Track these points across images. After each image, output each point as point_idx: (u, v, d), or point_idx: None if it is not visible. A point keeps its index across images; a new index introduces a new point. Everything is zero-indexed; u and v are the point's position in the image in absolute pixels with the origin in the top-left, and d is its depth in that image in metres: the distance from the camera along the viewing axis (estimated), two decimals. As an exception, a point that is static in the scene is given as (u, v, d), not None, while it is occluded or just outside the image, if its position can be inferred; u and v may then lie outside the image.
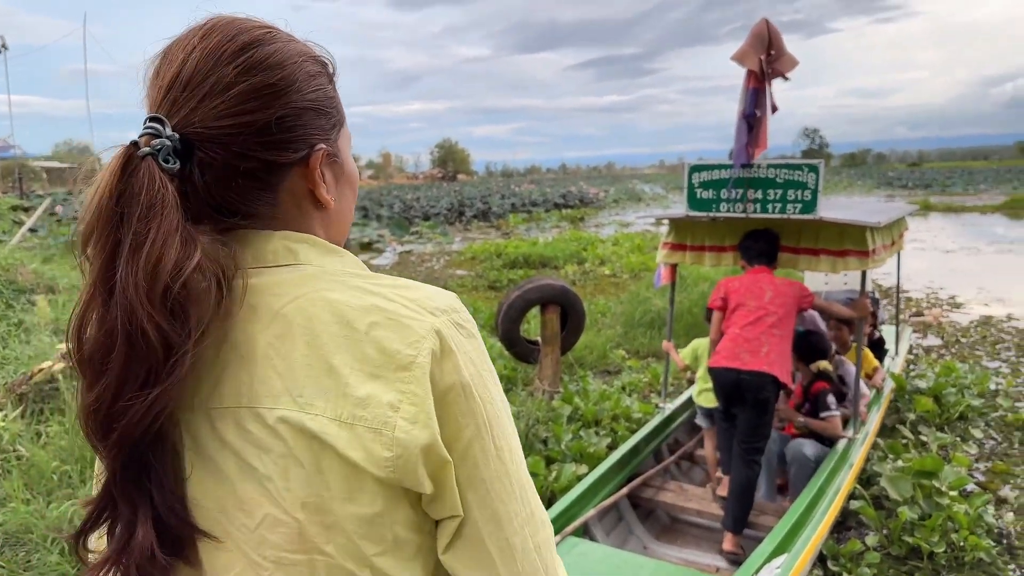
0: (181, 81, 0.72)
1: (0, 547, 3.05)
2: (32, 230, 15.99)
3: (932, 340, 8.17)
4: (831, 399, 4.05)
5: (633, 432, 5.10)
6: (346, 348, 0.71)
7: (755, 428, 3.65)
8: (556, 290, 6.06)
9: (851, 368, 4.39)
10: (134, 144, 0.69)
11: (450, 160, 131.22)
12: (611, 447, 4.79)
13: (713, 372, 3.76)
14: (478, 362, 0.75)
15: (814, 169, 3.67)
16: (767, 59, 3.59)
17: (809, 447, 3.89)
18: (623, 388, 6.21)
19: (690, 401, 4.88)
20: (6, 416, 4.06)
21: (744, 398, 3.63)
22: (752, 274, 3.85)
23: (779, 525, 3.16)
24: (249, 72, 0.73)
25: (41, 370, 4.35)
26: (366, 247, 20.08)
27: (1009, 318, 9.20)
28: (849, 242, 3.80)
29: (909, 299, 10.64)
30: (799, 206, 3.71)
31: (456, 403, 0.72)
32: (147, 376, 0.66)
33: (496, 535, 0.74)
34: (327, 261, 0.78)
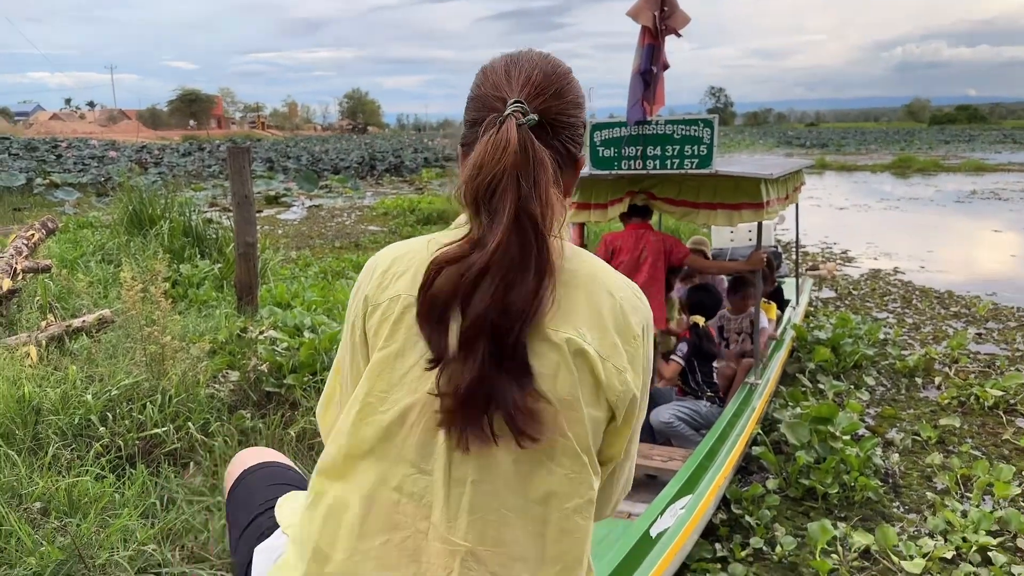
0: (534, 83, 1.08)
1: None
2: None
3: (827, 293, 8.61)
4: (681, 346, 4.21)
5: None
6: (608, 307, 1.08)
7: None
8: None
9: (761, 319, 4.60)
10: (518, 119, 1.02)
11: (360, 111, 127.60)
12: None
13: None
14: (652, 346, 1.16)
15: (709, 124, 3.75)
16: (660, 15, 3.60)
17: (664, 412, 4.05)
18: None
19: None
20: None
21: None
22: (632, 228, 4.22)
23: (683, 468, 3.28)
24: (573, 90, 1.13)
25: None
26: (272, 200, 19.35)
27: (895, 271, 9.79)
28: (744, 195, 3.94)
29: (806, 254, 11.15)
30: (696, 161, 3.79)
31: (645, 374, 1.13)
32: (538, 276, 1.01)
33: (629, 460, 1.23)
34: None
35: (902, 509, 3.70)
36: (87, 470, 3.12)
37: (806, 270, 9.70)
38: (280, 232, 13.53)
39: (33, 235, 5.38)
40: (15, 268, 4.77)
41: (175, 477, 3.33)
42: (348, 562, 1.05)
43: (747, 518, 3.51)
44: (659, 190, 4.23)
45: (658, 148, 3.83)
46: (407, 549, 1.05)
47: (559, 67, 1.13)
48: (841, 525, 3.48)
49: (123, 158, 29.95)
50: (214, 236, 8.24)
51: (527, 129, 1.03)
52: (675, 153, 3.81)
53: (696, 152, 3.77)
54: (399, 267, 1.12)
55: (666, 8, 3.62)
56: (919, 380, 5.50)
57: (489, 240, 0.99)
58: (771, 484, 3.80)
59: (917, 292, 8.52)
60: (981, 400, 4.95)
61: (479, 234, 1.02)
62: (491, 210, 1.01)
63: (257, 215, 15.94)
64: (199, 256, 7.76)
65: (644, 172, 3.90)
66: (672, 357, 4.20)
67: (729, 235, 8.02)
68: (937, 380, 5.47)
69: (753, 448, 4.02)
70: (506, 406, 0.99)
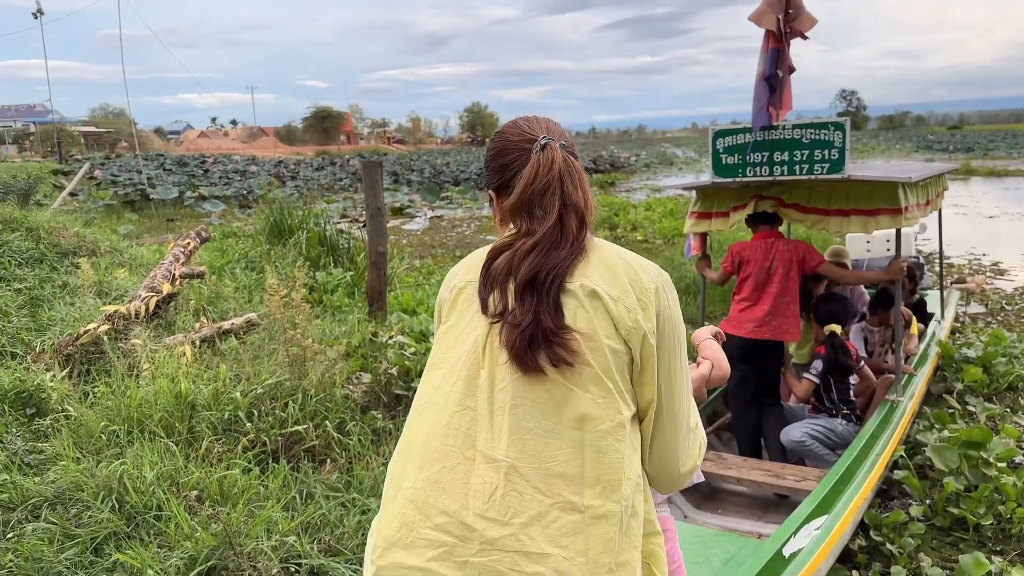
0: (551, 129, 1.40)
1: (52, 504, 3.13)
2: (72, 194, 16.25)
3: (976, 307, 7.97)
4: (816, 363, 4.01)
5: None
6: (621, 266, 1.30)
7: (774, 383, 4.13)
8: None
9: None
10: (547, 141, 1.35)
11: (479, 124, 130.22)
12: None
13: (727, 336, 4.01)
14: (675, 305, 1.33)
15: (840, 127, 3.56)
16: (785, 18, 3.47)
17: (795, 431, 3.88)
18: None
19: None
20: (54, 377, 4.14)
21: (754, 360, 4.00)
22: (760, 237, 4.05)
23: (819, 487, 3.12)
24: (571, 138, 1.44)
25: (87, 331, 4.43)
26: (397, 211, 20.11)
27: (1056, 286, 8.94)
28: (880, 200, 3.73)
29: (951, 265, 10.39)
30: (827, 166, 3.62)
31: (664, 324, 1.29)
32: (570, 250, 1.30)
33: (672, 410, 1.33)
34: None
35: (1069, 546, 3.37)
36: (236, 463, 3.36)
37: (952, 283, 9.03)
38: (404, 242, 14.03)
39: (189, 243, 5.86)
40: (174, 274, 5.20)
41: (313, 473, 3.52)
42: (413, 488, 1.27)
43: (888, 546, 3.31)
44: (788, 196, 4.07)
45: (785, 153, 3.69)
46: (458, 474, 1.24)
47: (558, 122, 1.45)
48: (997, 559, 3.20)
49: (263, 172, 32.06)
50: (346, 246, 8.66)
51: (565, 150, 1.35)
52: (804, 158, 3.66)
53: (827, 156, 3.61)
54: (460, 268, 1.43)
55: (791, 11, 3.49)
56: (1087, 405, 4.99)
57: (538, 229, 1.29)
58: (915, 511, 3.56)
59: (1083, 308, 7.74)
60: None
61: (527, 228, 1.31)
62: (543, 207, 1.30)
63: (386, 224, 16.66)
64: (333, 264, 8.17)
65: (771, 179, 3.76)
66: (805, 375, 4.02)
67: (866, 245, 7.60)
68: (1108, 406, 4.94)
69: (895, 471, 3.78)
70: (547, 336, 1.23)
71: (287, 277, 6.20)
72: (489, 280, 1.32)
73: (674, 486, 1.42)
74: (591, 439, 1.23)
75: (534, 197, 1.31)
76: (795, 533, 2.76)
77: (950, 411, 4.73)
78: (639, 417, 1.32)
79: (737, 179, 3.86)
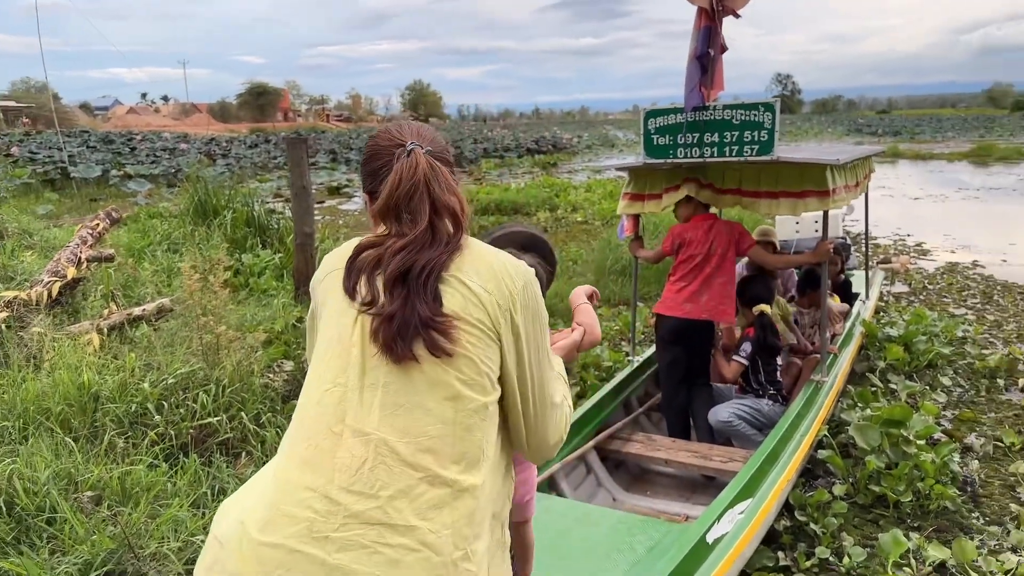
0: (421, 134, 1.44)
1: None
2: (-18, 172, 15.34)
3: (900, 287, 8.20)
4: (745, 345, 4.04)
5: (603, 382, 5.03)
6: (493, 264, 1.37)
7: (705, 364, 4.17)
8: (524, 236, 5.86)
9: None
10: (413, 147, 1.39)
11: (421, 103, 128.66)
12: (580, 397, 4.72)
13: (660, 318, 4.09)
14: (540, 299, 1.43)
15: (770, 108, 3.54)
16: None
17: (723, 411, 3.91)
18: (593, 336, 6.12)
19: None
20: (-56, 368, 3.85)
21: (688, 341, 4.04)
22: (699, 220, 4.05)
23: (743, 470, 3.12)
24: (444, 140, 1.50)
25: (-19, 319, 4.12)
26: (335, 191, 19.64)
27: (974, 265, 9.28)
28: (809, 182, 3.73)
29: (877, 246, 10.66)
30: (756, 147, 3.59)
31: (531, 316, 1.39)
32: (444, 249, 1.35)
33: (538, 392, 1.44)
34: None
35: (982, 521, 3.45)
36: (141, 459, 3.16)
37: (877, 263, 9.28)
38: (341, 222, 13.70)
39: (98, 225, 5.53)
40: (80, 257, 4.90)
41: (227, 467, 3.35)
42: (284, 463, 1.29)
43: (812, 526, 3.33)
44: (717, 179, 4.05)
45: (716, 135, 3.65)
46: (324, 448, 1.26)
47: (427, 126, 1.52)
48: (915, 536, 3.26)
49: (193, 150, 30.91)
50: (276, 226, 8.36)
51: (429, 154, 1.39)
52: (734, 139, 3.63)
53: (756, 138, 3.58)
54: (332, 256, 1.46)
55: (722, -13, 3.43)
56: (1001, 381, 5.16)
57: (407, 232, 1.34)
58: (838, 490, 3.59)
59: (999, 287, 8.04)
60: (1071, 405, 4.61)
61: (397, 230, 1.35)
62: (410, 211, 1.35)
63: (319, 205, 16.20)
64: (261, 246, 7.88)
65: (701, 160, 3.72)
66: (734, 357, 4.03)
67: (795, 226, 7.69)
68: (1021, 382, 5.12)
69: (819, 451, 3.82)
70: (424, 324, 1.28)
71: (209, 260, 5.93)
72: (354, 270, 1.36)
73: (545, 457, 1.53)
74: (461, 417, 1.29)
75: (400, 201, 1.36)
76: (719, 518, 2.74)
77: (872, 389, 4.82)
78: (504, 398, 1.40)
79: (668, 160, 3.80)
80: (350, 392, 1.29)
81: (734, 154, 3.60)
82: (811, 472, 3.87)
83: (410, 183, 1.35)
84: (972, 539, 3.24)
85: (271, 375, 4.15)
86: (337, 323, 1.36)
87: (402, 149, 1.40)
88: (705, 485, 3.85)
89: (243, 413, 3.63)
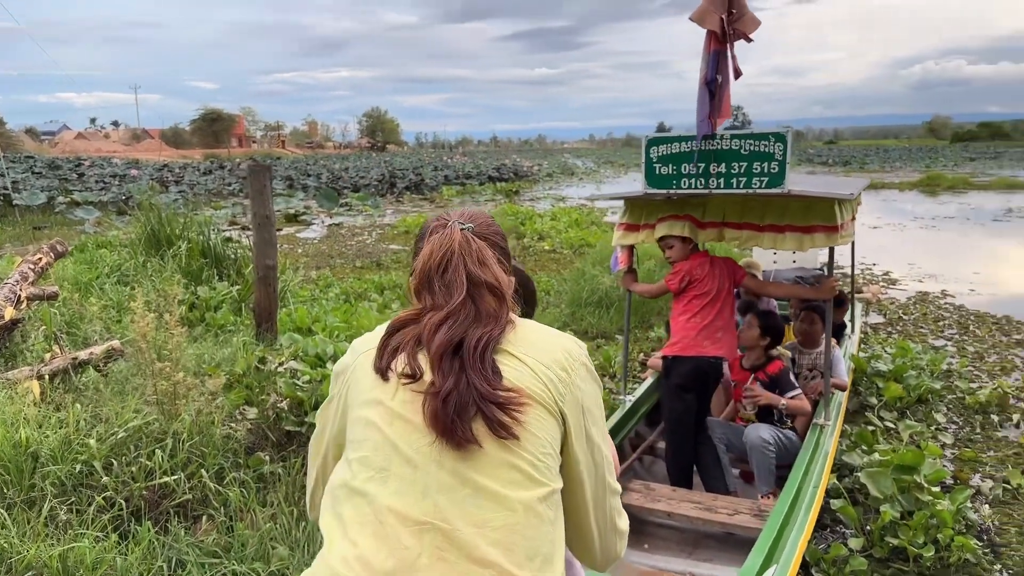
0: (468, 214, 1.40)
1: None
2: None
3: (875, 318, 8.14)
4: (792, 377, 3.89)
5: (591, 424, 4.76)
6: (548, 339, 1.30)
7: (706, 411, 3.96)
8: (504, 269, 5.63)
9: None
10: (459, 226, 1.34)
11: (379, 130, 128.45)
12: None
13: (676, 360, 3.79)
14: (596, 379, 1.33)
15: (781, 139, 3.34)
16: (728, 18, 3.22)
17: (765, 431, 3.67)
18: (574, 373, 5.86)
19: (651, 391, 4.56)
20: None
21: (703, 384, 3.83)
22: (700, 257, 3.88)
23: (764, 533, 2.86)
24: (496, 225, 1.45)
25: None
26: (292, 218, 19.15)
27: (944, 294, 9.30)
28: (816, 217, 3.54)
29: (845, 276, 10.66)
30: (765, 179, 3.38)
31: (590, 399, 1.30)
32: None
33: (596, 488, 1.32)
34: None
35: (1006, 574, 3.25)
36: (84, 533, 2.76)
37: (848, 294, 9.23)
38: (300, 251, 13.27)
39: (40, 259, 5.08)
40: (19, 295, 4.46)
41: (185, 534, 2.96)
42: (321, 567, 1.16)
43: (831, 585, 3.08)
44: (718, 212, 3.84)
45: (723, 165, 3.44)
46: (367, 542, 1.12)
47: (485, 211, 1.48)
48: (940, 594, 3.04)
49: (144, 177, 30.03)
50: (233, 256, 7.94)
51: (474, 232, 1.34)
52: (742, 171, 3.42)
53: (766, 170, 3.37)
54: (359, 343, 1.35)
55: (734, 11, 3.24)
56: (994, 417, 5.03)
57: (443, 304, 1.25)
58: (853, 543, 3.36)
59: (972, 317, 8.03)
60: (1071, 442, 4.48)
61: (431, 303, 1.27)
62: (445, 283, 1.28)
63: (276, 234, 15.76)
64: (217, 277, 7.45)
65: (707, 192, 3.51)
66: (799, 391, 3.86)
67: (773, 257, 7.59)
68: (1015, 417, 5.00)
69: (830, 500, 3.59)
70: (482, 399, 1.15)
71: (162, 294, 5.51)
72: (389, 350, 1.25)
73: (612, 559, 1.39)
74: (533, 505, 1.15)
75: (432, 273, 1.29)
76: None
77: (871, 429, 4.64)
78: (568, 490, 1.27)
79: (672, 191, 3.58)
80: (396, 479, 1.15)
81: (742, 186, 3.38)
82: (820, 521, 3.64)
83: (441, 253, 1.29)
84: (999, 596, 3.03)
85: (233, 424, 3.77)
86: (375, 409, 1.21)
87: (441, 225, 1.37)
88: (706, 536, 3.59)
89: (203, 470, 3.25)
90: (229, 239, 9.49)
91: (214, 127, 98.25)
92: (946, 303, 8.81)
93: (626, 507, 3.60)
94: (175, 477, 3.15)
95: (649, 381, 4.62)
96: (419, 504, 1.12)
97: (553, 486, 1.19)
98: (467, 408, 1.15)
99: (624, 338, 4.43)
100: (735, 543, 3.41)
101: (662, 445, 4.28)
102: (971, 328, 7.54)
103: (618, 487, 1.37)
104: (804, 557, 3.21)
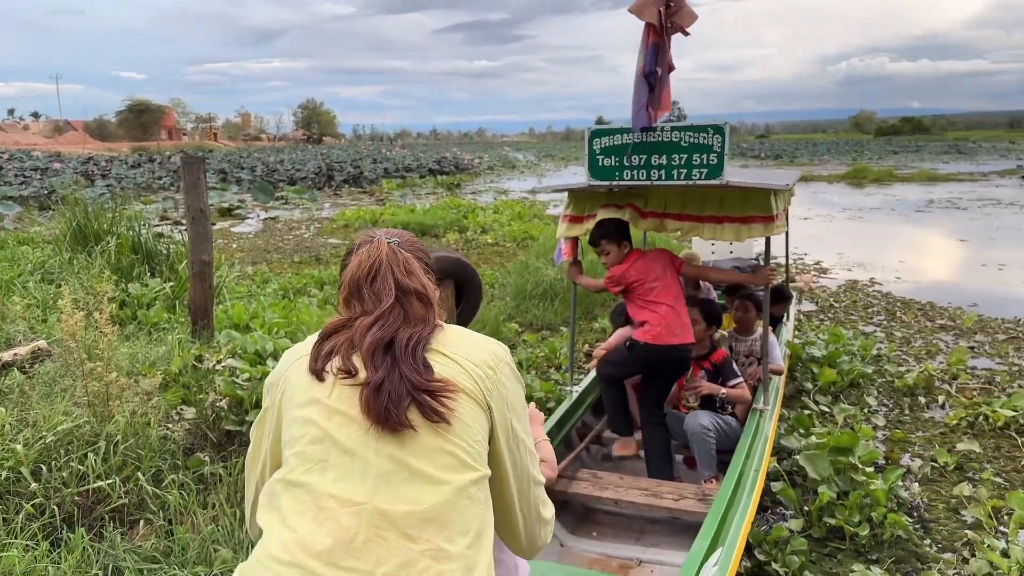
0: (395, 232, 1.49)
1: None
2: None
3: (808, 305, 8.40)
4: (735, 366, 3.98)
5: (537, 415, 4.78)
6: (474, 340, 1.37)
7: (665, 395, 3.93)
8: (450, 263, 5.56)
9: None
10: (387, 240, 1.43)
11: (315, 122, 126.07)
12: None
13: (649, 348, 3.72)
14: (519, 377, 1.41)
15: (720, 131, 3.41)
16: (666, 12, 3.26)
17: (705, 418, 3.74)
18: (520, 365, 5.87)
19: (597, 381, 4.60)
20: None
21: (667, 370, 3.83)
22: (637, 253, 3.84)
23: (709, 517, 2.92)
24: (422, 246, 1.52)
25: None
26: (226, 212, 18.63)
27: (872, 282, 9.66)
28: (754, 208, 3.62)
29: (779, 265, 10.98)
30: (705, 171, 3.44)
31: (511, 383, 1.37)
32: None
33: (520, 478, 1.38)
34: None
35: (935, 548, 3.40)
36: (13, 542, 2.62)
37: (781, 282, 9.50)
38: (235, 246, 12.92)
39: (-42, 255, 4.79)
40: (-65, 294, 4.20)
41: (122, 540, 2.85)
42: (259, 551, 1.19)
43: (774, 565, 3.17)
44: (659, 203, 3.89)
45: (664, 157, 3.48)
46: (305, 523, 1.16)
47: (410, 233, 1.54)
48: (876, 570, 3.15)
49: (68, 170, 28.75)
50: (165, 252, 7.66)
51: (399, 245, 1.42)
52: (683, 162, 3.47)
53: (705, 161, 3.43)
54: (290, 353, 1.39)
55: (672, 3, 3.27)
56: (921, 399, 5.25)
57: (372, 310, 1.33)
58: (794, 524, 3.46)
59: (899, 304, 8.36)
60: (992, 420, 4.71)
61: (361, 310, 1.34)
62: (374, 292, 1.35)
63: (211, 228, 15.28)
64: (149, 274, 7.18)
65: (648, 183, 3.55)
66: (741, 380, 3.94)
67: (711, 247, 7.76)
68: (940, 399, 5.23)
69: (772, 484, 3.69)
70: (415, 388, 1.22)
71: (91, 292, 5.28)
72: (323, 354, 1.30)
73: (537, 547, 1.46)
74: (465, 487, 1.22)
75: (362, 282, 1.36)
76: (697, 574, 2.51)
77: (807, 413, 4.79)
78: (495, 479, 1.33)
79: (614, 183, 3.61)
80: (335, 469, 1.19)
81: (682, 177, 3.43)
82: (761, 504, 3.73)
83: (370, 264, 1.37)
84: (930, 568, 3.17)
85: (170, 425, 3.64)
86: (312, 407, 1.25)
87: (368, 240, 1.44)
88: (653, 522, 3.65)
89: (140, 473, 3.13)
90: (161, 234, 9.16)
91: (142, 119, 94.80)
92: (874, 291, 9.15)
93: (574, 496, 3.67)
94: (109, 481, 3.03)
95: (595, 372, 4.66)
96: (358, 488, 1.17)
97: (483, 471, 1.26)
98: (401, 397, 1.21)
99: (571, 329, 4.45)
100: (681, 527, 3.47)
101: (609, 434, 4.33)
102: (898, 314, 7.86)
103: (542, 478, 1.44)
104: (748, 540, 3.29)
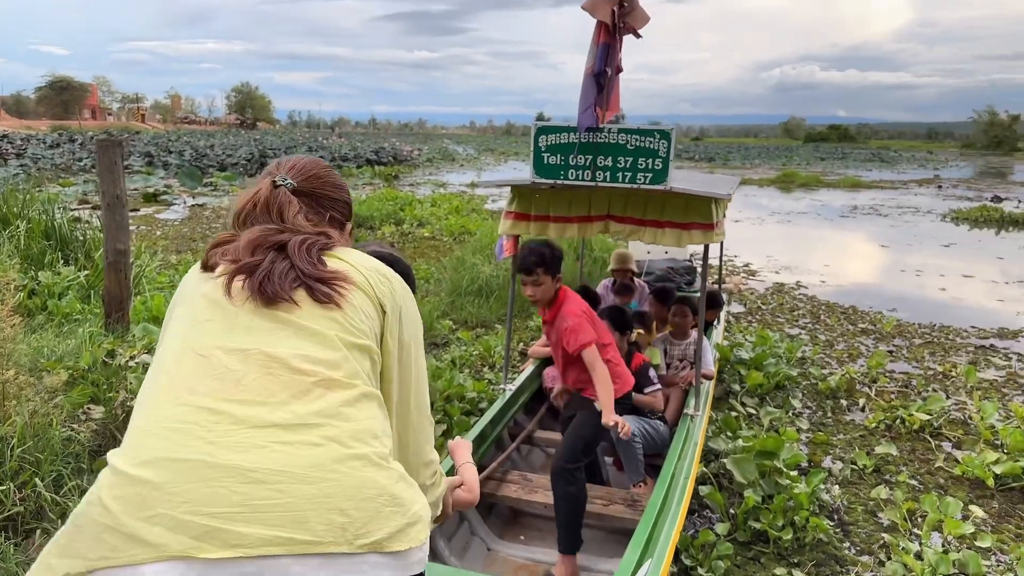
0: (298, 167, 1.46)
1: None
2: None
3: (737, 307, 8.56)
4: (652, 372, 3.98)
5: (469, 415, 4.70)
6: (367, 260, 1.34)
7: (585, 443, 3.33)
8: (384, 258, 5.44)
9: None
10: (275, 182, 1.39)
11: (249, 106, 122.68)
12: (447, 435, 4.35)
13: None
14: (413, 298, 1.43)
15: (666, 136, 3.40)
16: (619, 11, 3.22)
17: (631, 423, 3.73)
18: (453, 363, 5.78)
19: (531, 379, 4.56)
20: None
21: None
22: (552, 311, 3.48)
23: (640, 526, 2.90)
24: (332, 176, 1.53)
25: None
26: (151, 198, 17.88)
27: (798, 285, 9.93)
28: (695, 214, 3.63)
29: (710, 267, 11.19)
30: (649, 175, 3.43)
31: (405, 301, 1.37)
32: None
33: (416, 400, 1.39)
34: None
35: (854, 551, 3.47)
36: None
37: (711, 284, 9.67)
38: (159, 233, 12.40)
39: None
40: None
41: (14, 551, 2.64)
42: (143, 410, 1.16)
43: (700, 570, 3.18)
44: (603, 205, 3.85)
45: (609, 159, 3.44)
46: (188, 373, 1.15)
47: (321, 162, 1.51)
48: (797, 573, 3.20)
49: (-22, 147, 27.14)
50: (81, 239, 7.27)
51: (281, 188, 1.38)
52: (628, 165, 3.44)
53: (650, 166, 3.41)
54: (188, 274, 1.37)
55: (625, 4, 3.23)
56: (843, 402, 5.39)
57: (257, 227, 1.31)
58: (721, 529, 3.49)
59: (823, 307, 8.61)
60: (908, 424, 4.87)
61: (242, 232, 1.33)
62: (252, 222, 1.34)
63: (133, 214, 14.63)
64: (63, 261, 6.80)
65: (593, 184, 3.50)
66: (656, 388, 3.93)
67: (646, 248, 7.81)
68: (861, 401, 5.38)
69: (700, 487, 3.71)
70: (306, 275, 1.22)
71: (-6, 280, 4.93)
72: (216, 252, 1.30)
73: (415, 479, 1.40)
74: (353, 344, 1.22)
75: (243, 214, 1.36)
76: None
77: (734, 415, 4.85)
78: (383, 387, 1.31)
79: (559, 181, 3.55)
80: (216, 326, 1.19)
81: (627, 180, 3.40)
82: (689, 507, 3.75)
83: (246, 201, 1.37)
84: (848, 572, 3.23)
85: (76, 425, 3.42)
86: (199, 290, 1.26)
87: (265, 177, 1.42)
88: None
89: (37, 479, 2.92)
90: (78, 219, 8.70)
91: (63, 96, 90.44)
92: (800, 293, 9.41)
93: (504, 499, 3.60)
94: (2, 488, 2.81)
95: (529, 370, 4.61)
96: (243, 338, 1.16)
97: (373, 345, 1.25)
98: (288, 278, 1.21)
99: (508, 325, 4.38)
100: (610, 532, 3.46)
101: (540, 435, 4.29)
102: (822, 317, 8.09)
103: (431, 419, 1.45)
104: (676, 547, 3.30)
